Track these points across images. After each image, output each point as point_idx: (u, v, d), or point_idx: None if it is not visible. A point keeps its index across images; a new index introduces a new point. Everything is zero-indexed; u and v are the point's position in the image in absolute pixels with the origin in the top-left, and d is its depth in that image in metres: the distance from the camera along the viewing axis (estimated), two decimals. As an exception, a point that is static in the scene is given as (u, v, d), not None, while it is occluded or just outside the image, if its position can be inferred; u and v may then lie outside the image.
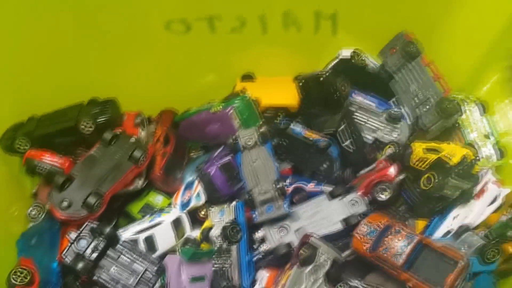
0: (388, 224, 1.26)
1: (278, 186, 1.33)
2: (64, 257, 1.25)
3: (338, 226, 1.33)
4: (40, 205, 1.50)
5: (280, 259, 1.32)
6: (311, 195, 1.43)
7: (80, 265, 1.21)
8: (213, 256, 1.29)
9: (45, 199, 1.48)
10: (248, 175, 1.39)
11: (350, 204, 1.36)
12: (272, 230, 1.36)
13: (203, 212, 1.50)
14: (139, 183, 1.48)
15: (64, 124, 1.48)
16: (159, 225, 1.41)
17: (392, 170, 1.40)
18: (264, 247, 1.35)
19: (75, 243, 1.25)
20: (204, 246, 1.37)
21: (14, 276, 1.18)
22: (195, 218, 1.48)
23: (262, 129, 1.44)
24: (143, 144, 1.48)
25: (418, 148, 1.41)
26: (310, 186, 1.44)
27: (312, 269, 1.22)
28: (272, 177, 1.37)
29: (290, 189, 1.42)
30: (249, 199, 1.35)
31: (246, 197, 1.35)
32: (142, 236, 1.38)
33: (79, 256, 1.23)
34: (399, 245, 1.20)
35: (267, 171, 1.38)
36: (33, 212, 1.50)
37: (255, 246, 1.38)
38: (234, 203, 1.39)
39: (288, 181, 1.43)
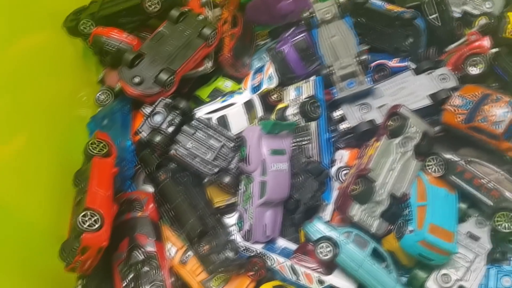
0: (486, 93, 1.15)
1: (361, 58, 1.23)
2: (139, 132, 1.21)
3: (425, 102, 1.23)
4: (108, 89, 1.47)
5: (359, 140, 1.25)
6: (394, 72, 1.33)
7: (157, 138, 1.17)
8: (293, 130, 1.23)
9: (113, 83, 1.45)
10: (327, 51, 1.29)
11: (438, 79, 1.25)
12: (353, 108, 1.28)
13: (275, 96, 1.42)
14: (209, 64, 1.41)
15: (129, 2, 1.40)
16: (232, 106, 1.35)
17: (485, 42, 1.27)
18: (344, 126, 1.27)
19: (150, 118, 1.21)
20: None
21: (91, 147, 1.15)
22: (266, 104, 1.42)
23: (341, 0, 1.32)
24: (212, 22, 1.39)
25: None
26: (393, 62, 1.34)
27: (401, 141, 1.14)
28: (353, 51, 1.26)
29: (372, 66, 1.32)
30: (329, 73, 1.26)
31: (326, 71, 1.26)
32: (215, 117, 1.32)
33: (155, 130, 1.19)
34: (500, 112, 1.10)
35: (348, 45, 1.28)
36: (102, 97, 1.47)
37: (332, 128, 1.30)
38: (313, 77, 1.30)
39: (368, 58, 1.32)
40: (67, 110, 1.42)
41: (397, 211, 1.12)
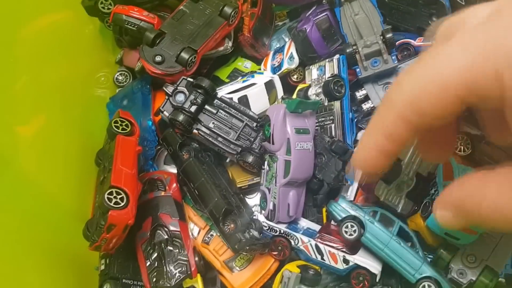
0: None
1: (386, 37, 1.21)
2: (162, 111, 1.20)
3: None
4: (127, 70, 1.46)
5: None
6: (418, 51, 1.30)
7: (180, 117, 1.16)
8: (318, 109, 1.22)
9: (131, 64, 1.44)
10: (350, 29, 1.27)
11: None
12: (376, 88, 1.26)
13: (295, 76, 1.41)
14: (229, 44, 1.40)
15: (146, -18, 1.39)
16: (253, 86, 1.33)
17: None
18: (367, 105, 1.25)
19: (172, 97, 1.20)
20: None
21: (114, 126, 1.14)
22: (286, 84, 1.40)
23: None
24: (232, 0, 1.37)
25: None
26: (418, 41, 1.31)
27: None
28: (378, 29, 1.24)
29: (396, 44, 1.30)
30: (353, 52, 1.24)
31: (350, 50, 1.24)
32: (236, 97, 1.31)
33: (178, 110, 1.18)
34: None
35: (372, 23, 1.25)
36: (120, 78, 1.46)
37: (355, 108, 1.29)
38: (336, 56, 1.28)
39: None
40: (86, 90, 1.41)
41: (423, 190, 1.11)
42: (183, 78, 1.19)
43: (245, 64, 1.47)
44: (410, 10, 1.33)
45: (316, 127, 1.22)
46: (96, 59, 1.47)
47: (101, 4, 1.39)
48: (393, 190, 1.10)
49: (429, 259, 1.13)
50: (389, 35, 1.21)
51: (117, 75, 1.45)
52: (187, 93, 1.18)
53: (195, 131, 1.18)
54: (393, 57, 1.23)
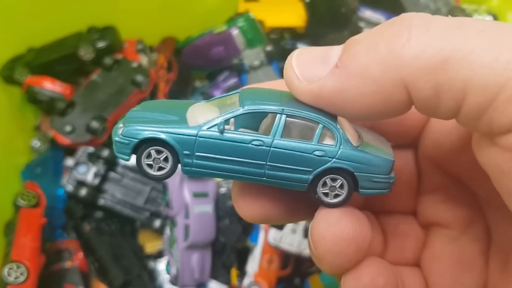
0: None
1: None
2: (64, 185, 1.22)
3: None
4: (44, 136, 1.49)
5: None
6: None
7: (83, 192, 1.19)
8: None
9: (49, 129, 1.46)
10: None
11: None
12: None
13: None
14: (144, 109, 1.44)
15: (64, 51, 1.44)
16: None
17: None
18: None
19: (74, 169, 1.23)
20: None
21: (20, 199, 1.16)
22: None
23: (268, 49, 1.39)
24: (146, 69, 1.43)
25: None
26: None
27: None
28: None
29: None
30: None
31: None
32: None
33: (81, 183, 1.21)
34: None
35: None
36: (37, 144, 1.48)
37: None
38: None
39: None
40: (2, 158, 1.42)
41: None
42: (83, 149, 1.23)
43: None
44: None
45: (223, 189, 1.27)
46: (15, 126, 1.49)
47: (18, 74, 1.42)
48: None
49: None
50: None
51: (34, 142, 1.47)
52: (89, 164, 1.21)
53: (102, 201, 1.21)
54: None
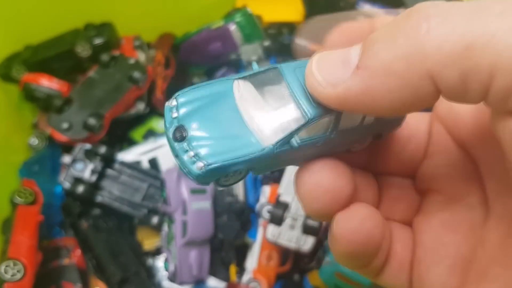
0: None
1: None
2: (62, 182, 1.22)
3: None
4: (42, 134, 1.48)
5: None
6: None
7: (80, 189, 1.19)
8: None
9: (46, 127, 1.46)
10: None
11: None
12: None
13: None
14: (141, 106, 1.44)
15: (60, 48, 1.43)
16: (163, 147, 1.37)
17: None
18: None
19: (72, 166, 1.22)
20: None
21: (17, 196, 1.15)
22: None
23: (266, 44, 1.38)
24: (143, 65, 1.43)
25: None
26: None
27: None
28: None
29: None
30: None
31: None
32: (146, 158, 1.34)
33: (78, 181, 1.20)
34: None
35: (272, 85, 1.32)
36: (35, 142, 1.48)
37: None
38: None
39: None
40: (0, 156, 1.42)
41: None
42: (81, 146, 1.22)
43: (160, 124, 1.51)
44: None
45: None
46: (12, 124, 1.48)
47: (15, 72, 1.42)
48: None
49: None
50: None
51: (32, 140, 1.46)
52: (86, 161, 1.21)
53: (99, 198, 1.20)
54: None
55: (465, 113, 0.45)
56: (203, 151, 0.38)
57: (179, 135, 0.39)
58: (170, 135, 0.39)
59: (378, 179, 0.50)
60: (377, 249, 0.44)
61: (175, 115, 0.40)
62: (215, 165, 0.37)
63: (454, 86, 0.33)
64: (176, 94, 0.41)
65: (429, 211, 0.47)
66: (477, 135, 0.44)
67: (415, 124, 0.49)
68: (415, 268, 0.46)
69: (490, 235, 0.43)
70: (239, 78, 0.42)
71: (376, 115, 0.40)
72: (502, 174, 0.38)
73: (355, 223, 0.42)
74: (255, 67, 0.49)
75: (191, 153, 0.38)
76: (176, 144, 0.39)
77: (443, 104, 0.47)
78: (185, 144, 0.39)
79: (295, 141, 0.39)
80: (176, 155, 0.39)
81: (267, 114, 0.40)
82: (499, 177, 0.42)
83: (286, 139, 0.39)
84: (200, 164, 0.38)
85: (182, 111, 0.40)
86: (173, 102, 0.41)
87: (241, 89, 0.42)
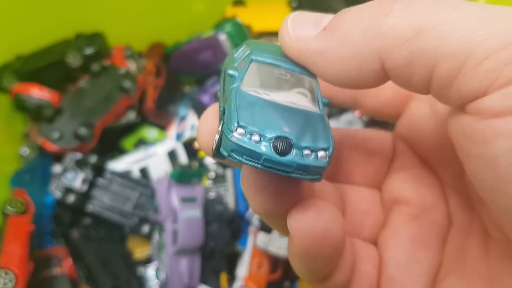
0: None
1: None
2: (53, 192, 1.23)
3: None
4: (33, 144, 1.49)
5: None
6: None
7: (71, 198, 1.20)
8: (203, 178, 1.27)
9: (37, 137, 1.46)
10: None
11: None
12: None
13: (198, 144, 1.47)
14: (132, 115, 1.45)
15: (51, 58, 1.45)
16: (154, 156, 1.38)
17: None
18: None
19: (62, 176, 1.23)
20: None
21: (8, 206, 1.16)
22: (191, 151, 1.46)
23: (255, 53, 1.40)
24: (133, 75, 1.44)
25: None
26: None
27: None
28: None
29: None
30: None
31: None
32: (137, 167, 1.35)
33: (69, 190, 1.21)
34: None
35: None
36: (27, 152, 1.48)
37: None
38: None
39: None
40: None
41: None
42: (71, 156, 1.23)
43: (150, 133, 1.52)
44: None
45: (214, 194, 1.28)
46: (3, 134, 1.49)
47: (6, 82, 1.43)
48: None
49: None
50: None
51: (23, 150, 1.47)
52: (77, 171, 1.21)
53: (90, 207, 1.21)
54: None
55: (426, 131, 0.46)
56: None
57: (282, 149, 0.36)
58: (271, 152, 0.36)
59: (342, 188, 0.50)
60: (337, 251, 0.42)
61: (256, 138, 0.36)
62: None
63: (399, 67, 0.35)
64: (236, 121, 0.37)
65: (396, 225, 0.47)
66: (439, 151, 0.45)
67: (379, 141, 0.50)
68: (386, 286, 0.46)
69: (448, 247, 0.45)
70: (240, 87, 0.41)
71: (323, 78, 0.41)
72: (463, 188, 0.40)
73: (311, 215, 0.40)
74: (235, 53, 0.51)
75: (307, 152, 0.37)
76: (286, 158, 0.36)
77: (403, 122, 0.49)
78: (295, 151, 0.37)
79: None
80: (299, 170, 0.37)
81: (296, 95, 0.41)
82: (459, 191, 0.44)
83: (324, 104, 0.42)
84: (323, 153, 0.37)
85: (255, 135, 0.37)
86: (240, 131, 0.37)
87: (258, 90, 0.41)
